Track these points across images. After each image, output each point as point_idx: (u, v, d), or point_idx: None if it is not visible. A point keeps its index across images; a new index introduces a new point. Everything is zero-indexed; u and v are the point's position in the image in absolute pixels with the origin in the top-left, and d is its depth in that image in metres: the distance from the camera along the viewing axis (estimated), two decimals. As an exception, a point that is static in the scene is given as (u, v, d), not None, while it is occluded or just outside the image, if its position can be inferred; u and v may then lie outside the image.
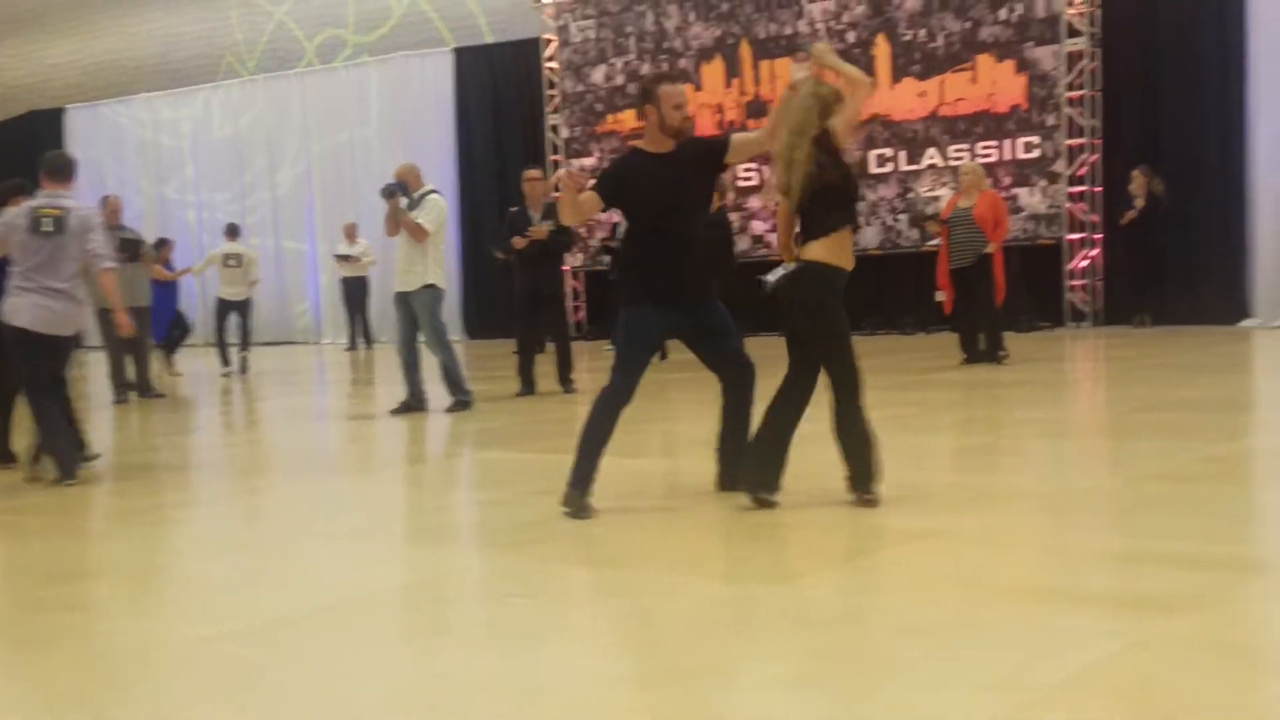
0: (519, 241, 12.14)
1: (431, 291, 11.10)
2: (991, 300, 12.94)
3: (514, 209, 12.64)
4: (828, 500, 6.38)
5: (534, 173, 12.70)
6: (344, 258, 21.83)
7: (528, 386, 12.25)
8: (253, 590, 5.32)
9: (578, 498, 6.26)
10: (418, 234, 11.00)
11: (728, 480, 6.56)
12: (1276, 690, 3.62)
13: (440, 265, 11.24)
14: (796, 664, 3.94)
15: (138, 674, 4.24)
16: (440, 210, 11.23)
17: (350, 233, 22.24)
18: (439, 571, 5.62)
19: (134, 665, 4.33)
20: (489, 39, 23.06)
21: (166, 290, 17.39)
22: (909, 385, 11.93)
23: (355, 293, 22.04)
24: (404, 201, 11.14)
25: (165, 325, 17.71)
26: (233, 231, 18.36)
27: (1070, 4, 17.50)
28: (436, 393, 11.32)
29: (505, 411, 11.23)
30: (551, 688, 3.83)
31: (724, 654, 4.12)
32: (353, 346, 22.19)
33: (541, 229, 12.07)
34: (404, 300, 11.20)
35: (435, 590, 5.31)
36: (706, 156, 6.61)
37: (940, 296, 13.95)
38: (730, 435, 6.58)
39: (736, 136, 6.80)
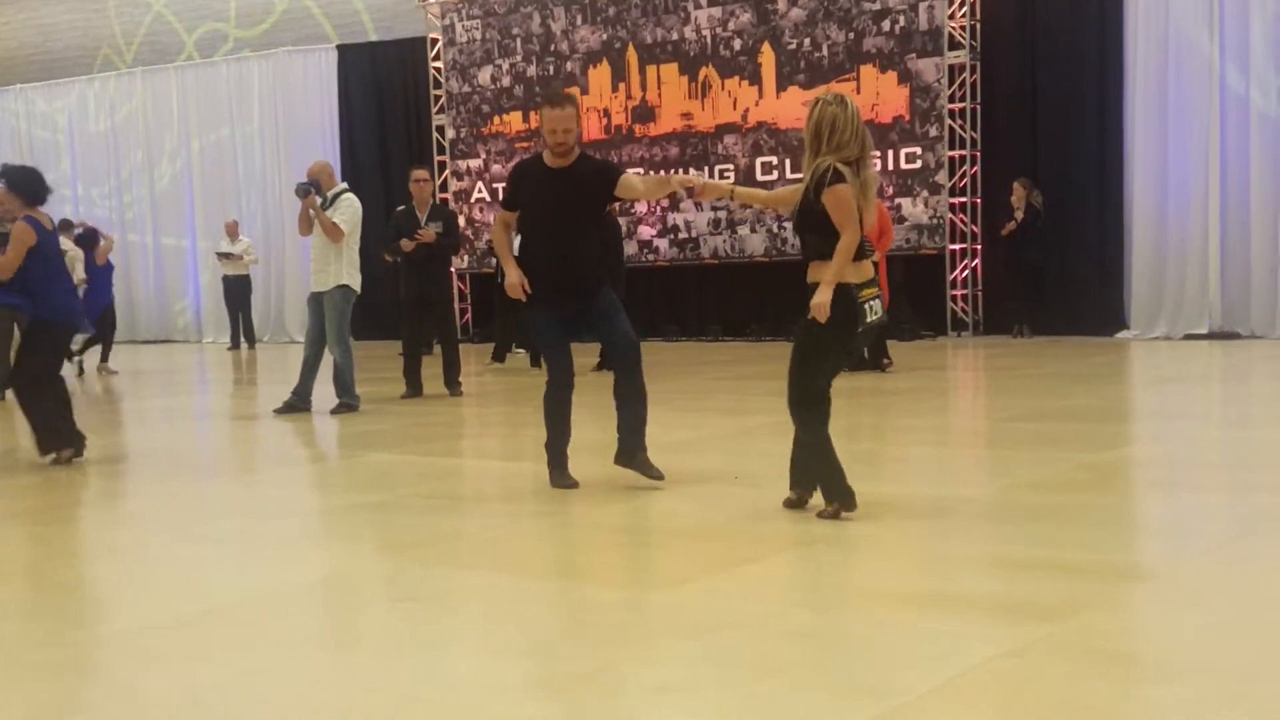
0: (407, 244, 12.05)
1: (343, 291, 11.02)
2: (877, 309, 13.07)
3: (400, 209, 12.52)
4: (718, 507, 6.41)
5: (421, 173, 12.59)
6: (226, 256, 21.50)
7: (414, 389, 12.17)
8: (129, 595, 5.22)
9: (558, 475, 6.94)
10: (334, 234, 10.90)
11: (622, 457, 6.96)
12: (1152, 696, 3.70)
13: (355, 266, 11.15)
14: (677, 670, 3.95)
15: (17, 678, 4.13)
16: (355, 210, 11.14)
17: (232, 230, 21.92)
18: (321, 575, 5.56)
19: (14, 669, 4.23)
20: (373, 37, 22.85)
21: (101, 283, 17.14)
22: (792, 391, 12.01)
23: (237, 291, 21.71)
24: (318, 200, 11.02)
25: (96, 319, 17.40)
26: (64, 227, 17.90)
27: (951, 17, 17.77)
28: (325, 393, 11.20)
29: (391, 414, 11.13)
30: (432, 695, 3.81)
31: (606, 660, 4.12)
32: (235, 346, 21.86)
33: (429, 231, 12.01)
34: (316, 300, 11.09)
35: (317, 595, 5.25)
36: (597, 182, 6.89)
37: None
38: (622, 412, 6.94)
39: (625, 178, 6.99)
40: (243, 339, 21.79)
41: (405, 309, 12.51)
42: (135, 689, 3.98)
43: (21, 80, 26.67)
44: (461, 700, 3.76)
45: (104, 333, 17.46)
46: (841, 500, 6.07)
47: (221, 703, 3.83)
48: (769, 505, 6.34)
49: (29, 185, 8.79)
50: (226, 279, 21.73)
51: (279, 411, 11.15)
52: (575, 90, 19.44)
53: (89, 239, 16.99)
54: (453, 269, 17.86)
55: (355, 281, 11.11)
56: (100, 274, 17.01)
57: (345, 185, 11.59)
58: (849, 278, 6.00)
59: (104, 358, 17.54)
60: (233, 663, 4.19)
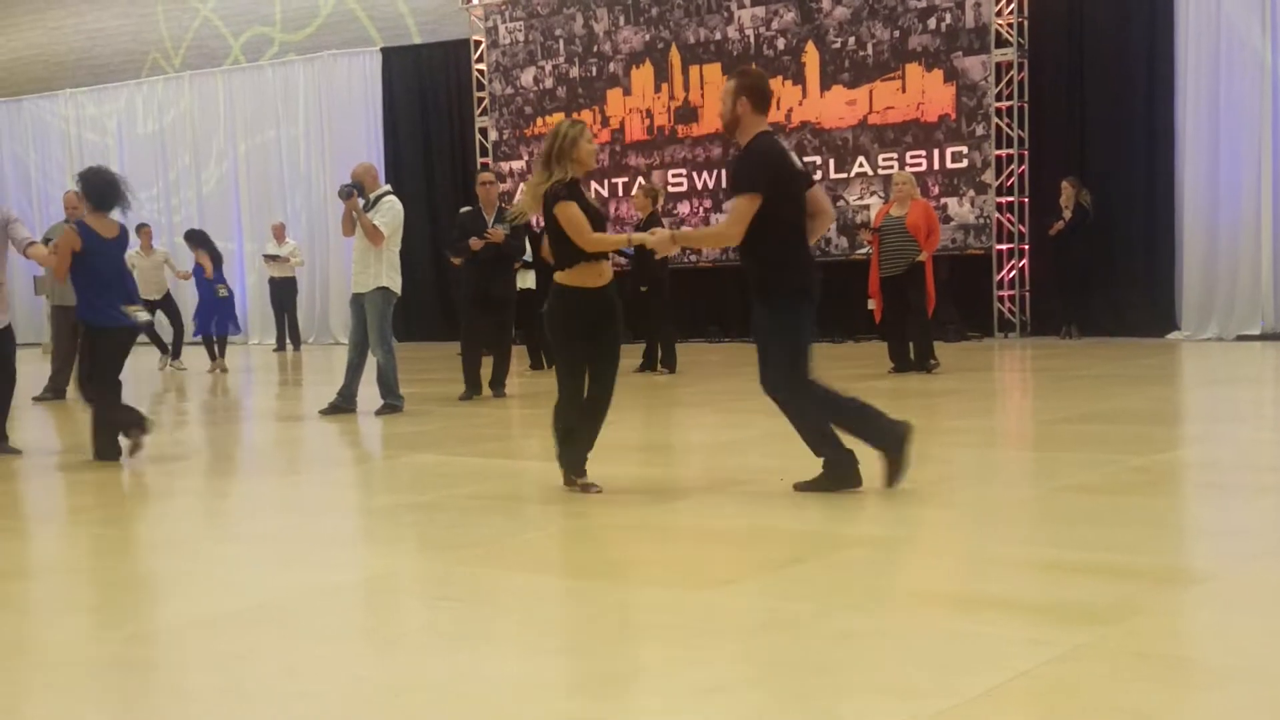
0: (476, 243, 12.03)
1: (383, 294, 11.04)
2: (923, 309, 13.02)
3: (466, 210, 12.60)
4: (761, 507, 6.37)
5: (488, 175, 12.73)
6: (272, 258, 21.59)
7: (474, 388, 12.13)
8: (175, 592, 5.23)
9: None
10: (374, 237, 10.93)
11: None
12: (1203, 701, 3.63)
13: (395, 268, 11.17)
14: (721, 670, 3.91)
15: (60, 675, 4.14)
16: (397, 213, 11.16)
17: (279, 233, 22.01)
18: (363, 575, 5.55)
19: (57, 666, 4.24)
20: (417, 39, 22.93)
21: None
22: (837, 392, 11.94)
23: (284, 293, 21.81)
24: (361, 202, 11.06)
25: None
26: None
27: (999, 14, 17.64)
28: (370, 394, 11.24)
29: (435, 415, 11.14)
30: (474, 692, 3.79)
31: (649, 660, 4.09)
32: (280, 347, 21.97)
33: (498, 231, 12.00)
34: (358, 301, 11.13)
35: (359, 594, 5.24)
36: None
37: (871, 305, 14.01)
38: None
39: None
40: (288, 340, 21.90)
41: (466, 308, 12.51)
42: (180, 685, 3.98)
43: (71, 85, 26.92)
44: (503, 698, 3.74)
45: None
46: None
47: (265, 698, 3.83)
48: (813, 505, 6.30)
49: (94, 189, 8.84)
50: (273, 281, 21.84)
51: (324, 412, 11.19)
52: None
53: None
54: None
55: (395, 284, 11.13)
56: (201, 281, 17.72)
57: (388, 188, 11.61)
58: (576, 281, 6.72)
59: (176, 354, 18.17)
60: (276, 659, 4.20)
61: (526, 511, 6.47)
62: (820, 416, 6.63)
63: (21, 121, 27.63)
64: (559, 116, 20.70)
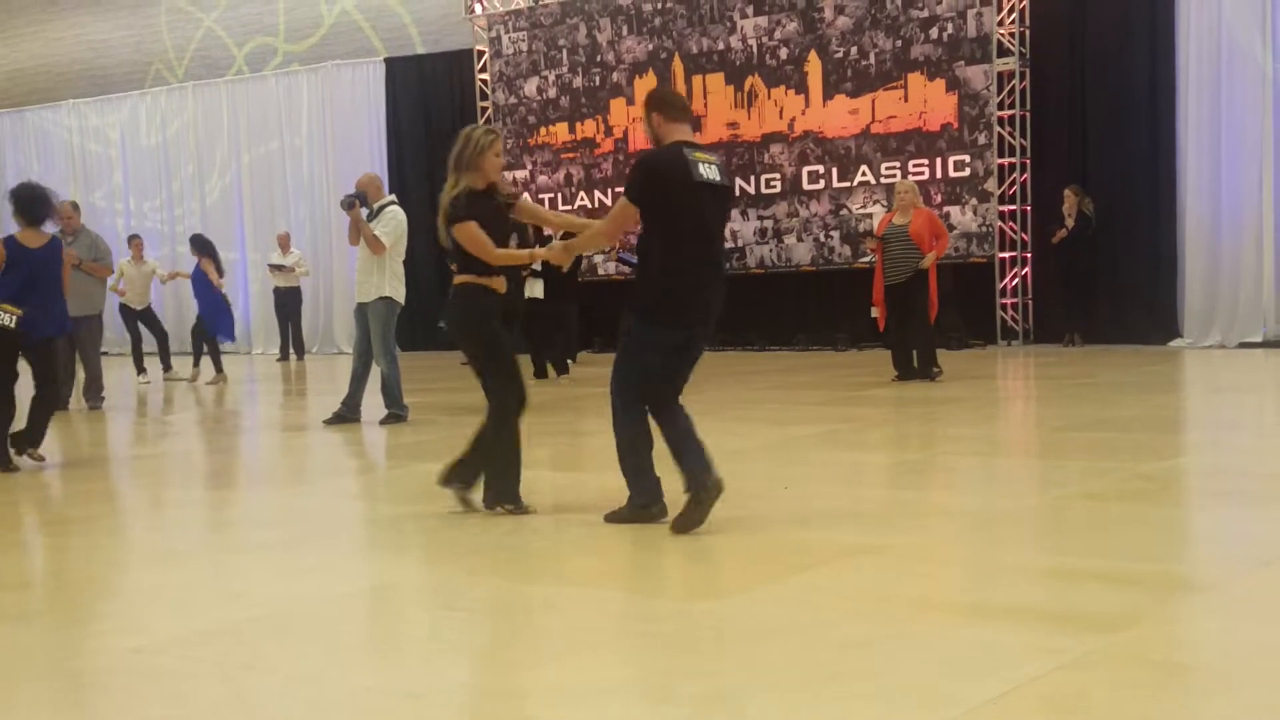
0: None
1: (386, 303, 11.05)
2: (926, 317, 13.02)
3: None
4: (765, 516, 6.38)
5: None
6: (278, 268, 21.61)
7: None
8: (179, 602, 5.23)
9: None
10: (376, 246, 10.94)
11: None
12: (1209, 709, 3.63)
13: (399, 278, 11.18)
14: (728, 679, 3.92)
15: (67, 686, 4.15)
16: (399, 223, 11.16)
17: (284, 243, 22.03)
18: (369, 584, 5.56)
19: (63, 677, 4.25)
20: (420, 49, 22.96)
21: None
22: (842, 401, 11.97)
23: (288, 303, 21.84)
24: (364, 212, 11.07)
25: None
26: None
27: (1000, 24, 17.66)
28: (374, 404, 11.25)
29: (439, 424, 11.15)
30: (479, 702, 3.80)
31: (657, 670, 4.09)
32: (284, 357, 21.99)
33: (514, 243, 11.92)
34: (362, 311, 11.14)
35: (364, 603, 5.25)
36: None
37: (875, 313, 14.03)
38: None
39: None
40: (291, 350, 21.91)
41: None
42: (185, 694, 3.98)
43: (75, 95, 26.96)
44: (509, 708, 3.74)
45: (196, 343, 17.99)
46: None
47: (270, 708, 3.84)
48: (818, 514, 6.31)
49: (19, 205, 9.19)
50: (278, 291, 21.86)
51: (328, 422, 11.20)
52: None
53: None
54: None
55: (398, 293, 11.14)
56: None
57: (393, 198, 11.62)
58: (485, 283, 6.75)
59: (166, 365, 18.14)
60: (282, 669, 4.20)
61: (532, 521, 6.47)
62: (637, 444, 6.25)
63: (25, 132, 27.68)
64: (562, 126, 20.91)
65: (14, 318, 8.90)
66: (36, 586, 5.81)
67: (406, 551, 6.18)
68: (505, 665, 4.18)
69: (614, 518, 6.29)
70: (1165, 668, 3.93)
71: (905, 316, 13.09)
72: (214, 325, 17.33)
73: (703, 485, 5.99)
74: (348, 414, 11.18)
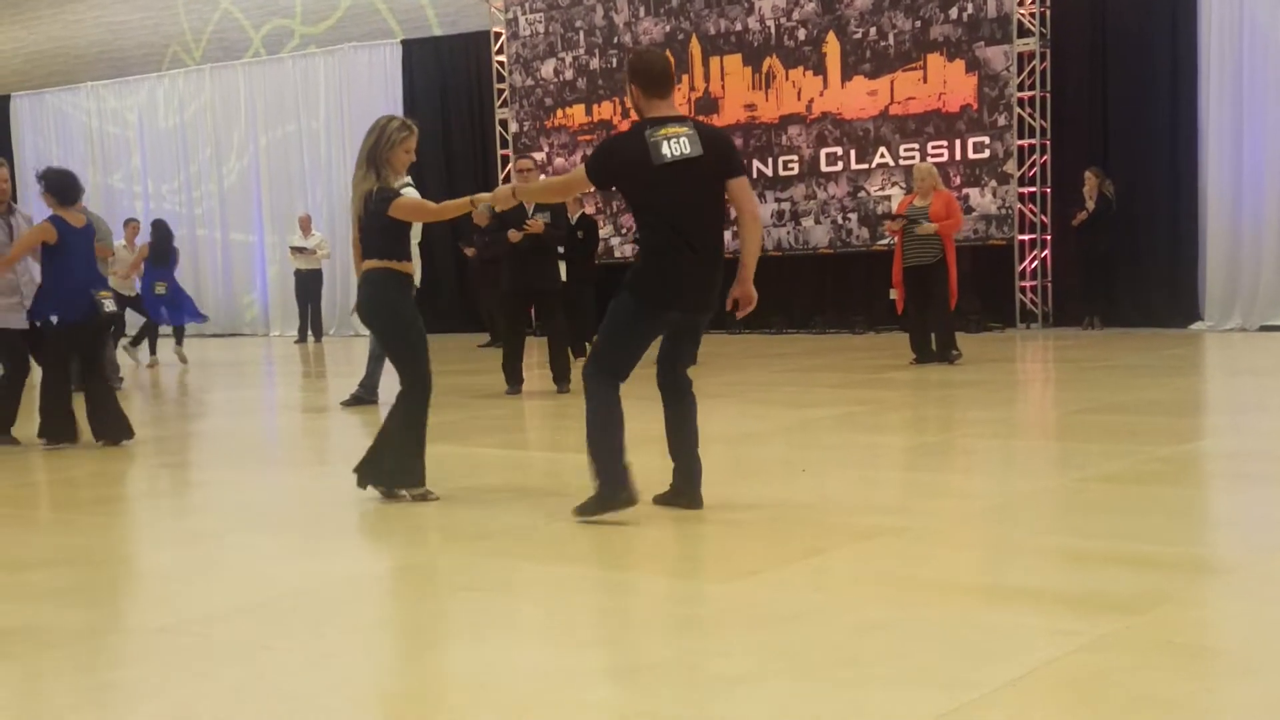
0: (515, 235, 11.67)
1: None
2: (946, 300, 12.96)
3: None
4: (783, 498, 6.37)
5: (526, 163, 12.50)
6: (300, 250, 21.62)
7: (516, 383, 11.84)
8: (200, 582, 5.25)
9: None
10: None
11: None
12: (1230, 691, 3.62)
13: (414, 260, 11.11)
14: (746, 661, 3.91)
15: (86, 666, 4.16)
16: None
17: (305, 225, 22.03)
18: (387, 565, 5.58)
19: (90, 656, 4.27)
20: (437, 31, 22.94)
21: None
22: (860, 384, 11.94)
23: (309, 285, 21.86)
24: None
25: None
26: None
27: (1021, 4, 17.57)
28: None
29: (456, 406, 11.14)
30: (499, 681, 3.79)
31: (674, 651, 4.09)
32: (302, 339, 22.03)
33: (538, 222, 11.65)
34: None
35: (383, 584, 5.26)
36: None
37: (894, 295, 13.97)
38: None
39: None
40: (309, 332, 21.95)
41: (505, 301, 12.31)
42: (206, 673, 4.00)
43: (93, 78, 27.01)
44: (529, 687, 3.74)
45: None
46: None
47: (290, 687, 3.85)
48: (836, 497, 6.29)
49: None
50: (299, 273, 21.88)
51: (346, 404, 11.21)
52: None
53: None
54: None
55: (414, 275, 11.09)
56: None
57: (408, 179, 11.54)
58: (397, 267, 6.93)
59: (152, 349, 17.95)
60: (301, 649, 4.22)
61: (550, 502, 6.47)
62: (609, 421, 5.98)
63: (44, 114, 27.75)
64: (579, 108, 20.87)
65: (112, 301, 9.49)
66: (55, 566, 5.82)
67: (426, 533, 6.18)
68: (525, 646, 4.18)
69: (583, 510, 5.95)
70: (1186, 650, 3.92)
71: (924, 299, 13.04)
72: (157, 311, 17.14)
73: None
74: (365, 396, 11.19)
